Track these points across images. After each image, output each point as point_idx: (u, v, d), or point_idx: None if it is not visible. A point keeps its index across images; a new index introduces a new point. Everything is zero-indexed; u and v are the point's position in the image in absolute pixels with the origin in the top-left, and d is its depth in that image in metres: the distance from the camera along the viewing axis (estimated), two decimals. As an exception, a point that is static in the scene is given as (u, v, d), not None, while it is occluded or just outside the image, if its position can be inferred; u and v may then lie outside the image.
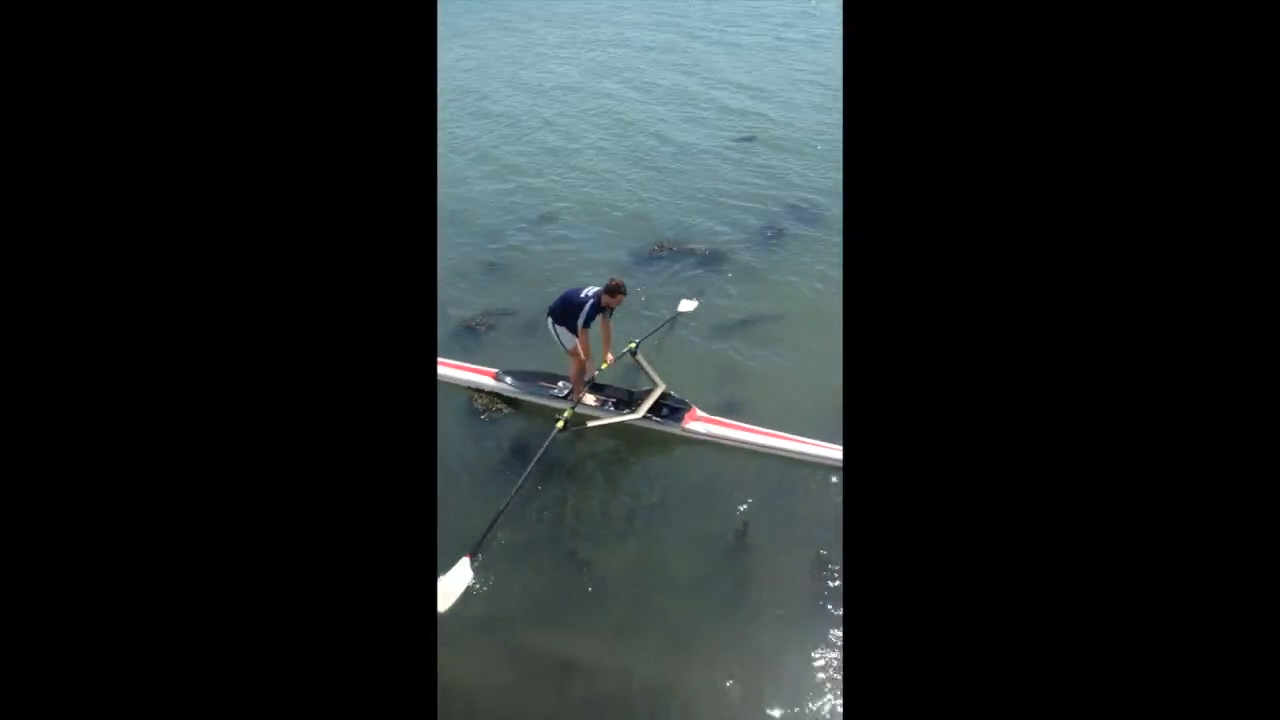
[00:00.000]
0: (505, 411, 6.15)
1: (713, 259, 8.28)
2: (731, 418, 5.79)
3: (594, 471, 5.59)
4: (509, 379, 6.32)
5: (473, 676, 4.11)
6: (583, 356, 5.73)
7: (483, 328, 7.23)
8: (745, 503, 5.11)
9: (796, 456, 5.41)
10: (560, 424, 5.44)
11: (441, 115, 13.30)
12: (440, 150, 11.83)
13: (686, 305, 7.31)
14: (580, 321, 5.53)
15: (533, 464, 5.14)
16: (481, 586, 4.58)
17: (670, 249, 8.53)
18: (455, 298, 7.72)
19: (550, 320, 5.79)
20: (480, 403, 6.22)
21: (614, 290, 5.53)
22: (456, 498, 5.16)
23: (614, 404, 6.05)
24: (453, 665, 4.14)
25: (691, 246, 8.54)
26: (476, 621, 4.41)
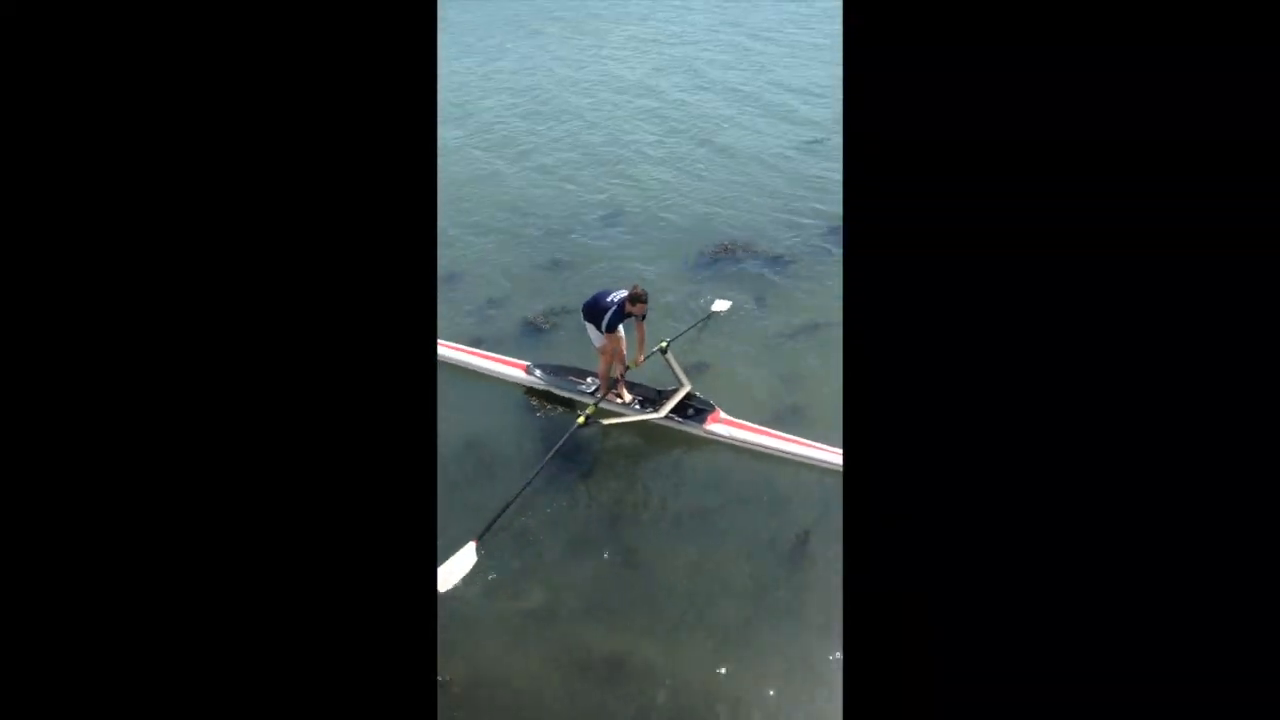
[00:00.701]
0: (559, 410, 6.21)
1: (776, 263, 8.22)
2: (790, 425, 5.76)
3: (653, 472, 5.62)
4: (539, 372, 6.41)
5: (521, 671, 4.18)
6: (609, 355, 5.81)
7: (547, 326, 7.32)
8: (806, 512, 5.07)
9: (821, 465, 5.38)
10: (582, 419, 5.54)
11: (505, 114, 13.50)
12: (503, 149, 12.02)
13: (720, 305, 7.32)
14: (604, 325, 5.61)
15: (548, 456, 5.25)
16: (536, 580, 4.68)
17: (734, 251, 8.50)
18: (519, 296, 7.83)
19: (583, 316, 5.89)
20: (535, 400, 6.32)
21: (635, 299, 5.57)
22: (494, 488, 5.24)
23: (640, 402, 6.08)
24: (503, 657, 4.23)
25: (756, 250, 8.49)
26: (529, 614, 4.49)
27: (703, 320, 7.14)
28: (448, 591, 4.34)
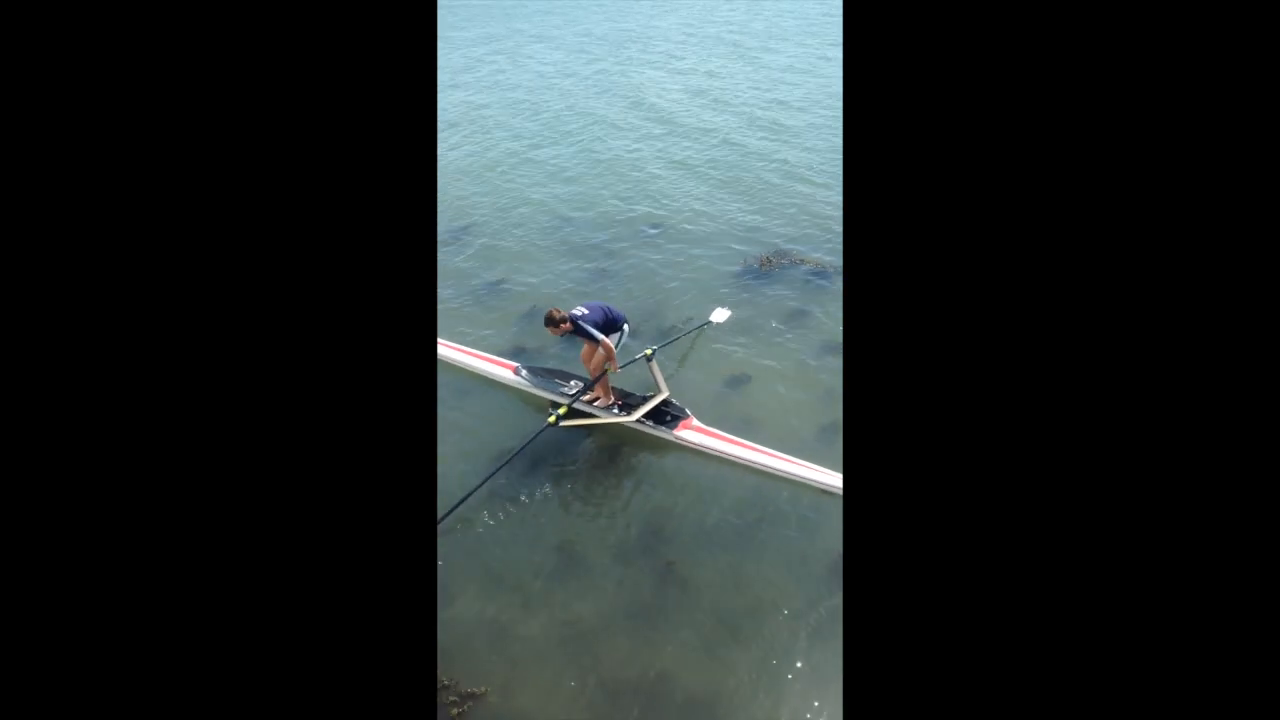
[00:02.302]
0: (584, 435, 6.21)
1: (820, 275, 8.15)
2: (830, 440, 5.71)
3: (694, 486, 5.60)
4: (525, 373, 6.59)
5: (558, 682, 4.19)
6: (603, 360, 6.03)
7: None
8: (839, 531, 4.99)
9: (785, 476, 5.47)
10: (552, 418, 5.67)
11: (556, 125, 13.60)
12: (547, 158, 12.10)
13: (719, 315, 7.35)
14: (603, 331, 5.87)
15: (514, 455, 5.41)
16: (572, 588, 4.70)
17: (778, 264, 8.45)
18: (560, 303, 7.85)
19: (593, 328, 6.04)
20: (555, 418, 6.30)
21: (550, 320, 5.83)
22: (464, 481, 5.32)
23: (619, 406, 6.19)
24: (541, 669, 4.26)
25: (801, 261, 8.44)
26: (567, 625, 4.51)
27: (697, 329, 7.19)
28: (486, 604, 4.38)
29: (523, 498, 5.48)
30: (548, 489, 5.55)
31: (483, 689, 4.13)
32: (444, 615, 4.57)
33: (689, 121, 13.66)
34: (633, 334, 6.88)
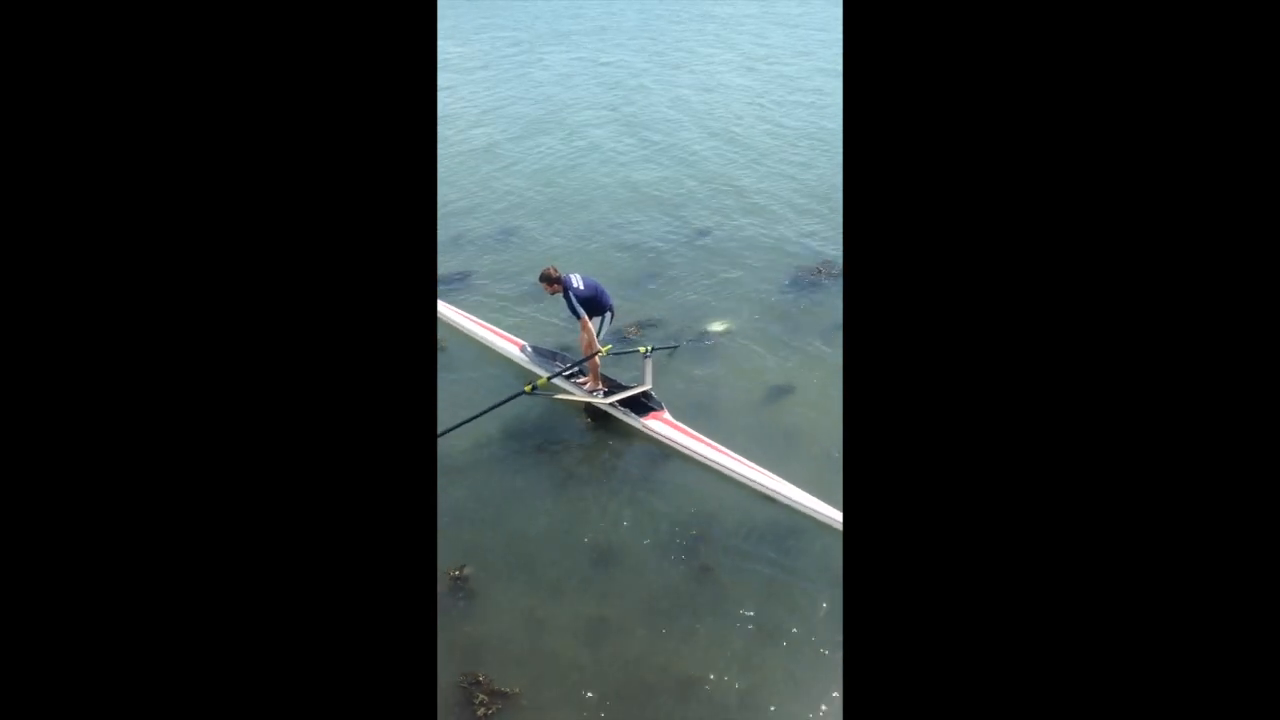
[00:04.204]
0: (610, 435, 6.20)
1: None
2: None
3: (736, 491, 5.51)
4: (530, 350, 7.00)
5: (591, 680, 4.13)
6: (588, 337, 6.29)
7: (633, 334, 7.34)
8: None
9: (735, 477, 5.56)
10: (529, 387, 5.97)
11: (618, 129, 13.65)
12: (604, 165, 12.14)
13: (717, 325, 7.41)
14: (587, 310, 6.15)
15: (480, 412, 5.58)
16: (605, 587, 4.65)
17: (829, 273, 8.31)
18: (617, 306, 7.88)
19: (583, 307, 6.26)
20: (586, 423, 6.34)
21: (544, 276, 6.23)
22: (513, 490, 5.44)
23: (604, 391, 6.40)
24: (573, 667, 4.20)
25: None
26: (599, 622, 4.46)
27: (694, 339, 7.25)
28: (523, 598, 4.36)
29: (561, 496, 5.46)
30: (587, 490, 5.52)
31: (514, 689, 4.08)
32: (478, 611, 4.56)
33: (751, 128, 13.60)
34: (674, 336, 6.95)
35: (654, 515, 5.27)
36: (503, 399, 5.83)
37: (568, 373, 6.49)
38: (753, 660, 4.24)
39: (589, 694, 4.08)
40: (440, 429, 5.20)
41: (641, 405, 6.26)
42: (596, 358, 6.30)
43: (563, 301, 6.26)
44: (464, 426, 5.52)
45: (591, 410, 6.33)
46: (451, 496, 5.33)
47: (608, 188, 11.15)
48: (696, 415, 6.21)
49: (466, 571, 4.78)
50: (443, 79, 15.86)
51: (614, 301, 6.47)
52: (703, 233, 9.56)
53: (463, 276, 8.51)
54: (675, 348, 7.10)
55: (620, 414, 6.23)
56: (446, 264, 8.65)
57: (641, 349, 6.58)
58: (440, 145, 12.83)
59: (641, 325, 7.47)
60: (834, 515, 5.04)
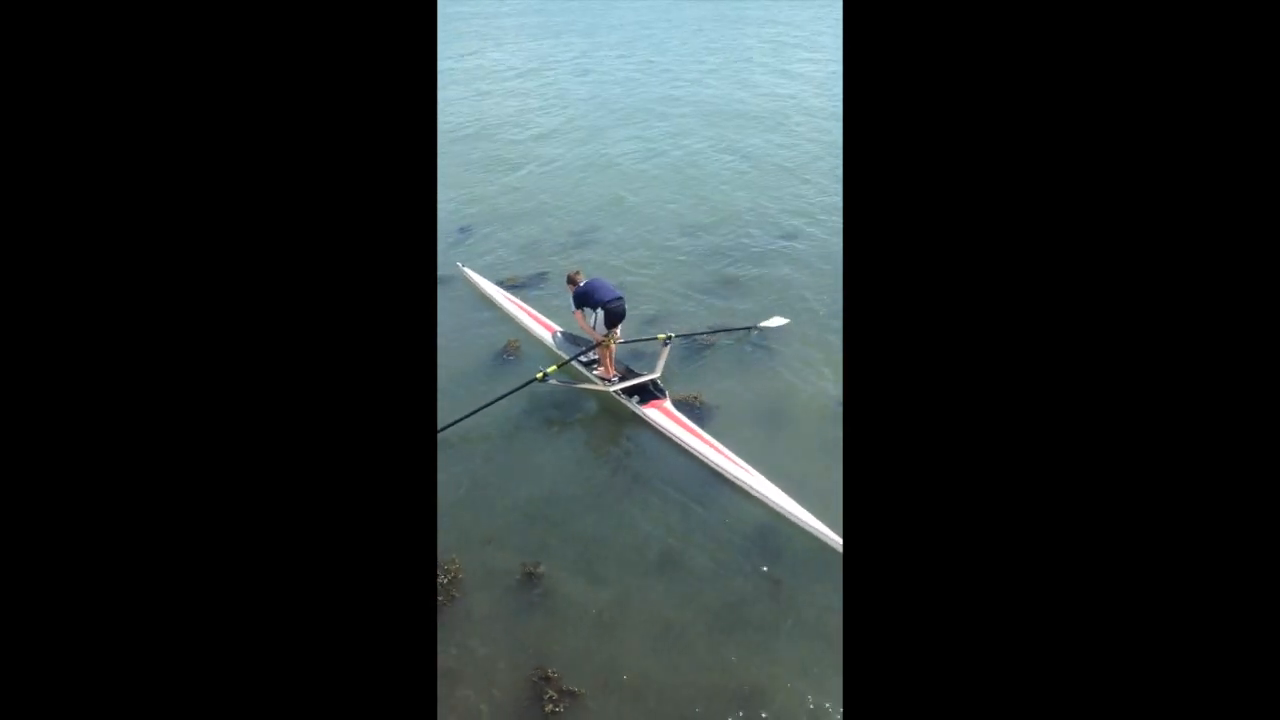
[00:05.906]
0: (639, 439, 6.20)
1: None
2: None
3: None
4: (560, 335, 7.29)
5: (657, 683, 4.15)
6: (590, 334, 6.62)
7: (704, 343, 7.31)
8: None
9: (722, 473, 5.62)
10: (540, 374, 6.23)
11: (699, 129, 13.61)
12: (675, 169, 12.11)
13: (773, 321, 7.38)
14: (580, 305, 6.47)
15: (495, 399, 5.97)
16: (671, 590, 4.66)
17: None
18: (688, 310, 7.90)
19: (581, 304, 6.54)
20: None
21: (569, 279, 6.62)
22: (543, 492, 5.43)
23: (619, 378, 6.60)
24: (640, 669, 4.23)
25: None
26: (669, 626, 4.46)
27: (746, 329, 7.28)
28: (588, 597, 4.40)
29: (629, 498, 5.50)
30: (653, 497, 5.54)
31: (581, 689, 4.13)
32: (550, 607, 4.64)
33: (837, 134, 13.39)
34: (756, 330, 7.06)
35: (723, 522, 5.25)
36: (513, 387, 6.10)
37: (579, 359, 6.69)
38: (825, 679, 4.17)
39: (653, 703, 4.09)
40: (453, 419, 5.76)
41: (647, 392, 6.43)
42: (609, 346, 6.52)
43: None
44: (482, 415, 5.90)
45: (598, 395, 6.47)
46: (525, 494, 5.47)
47: (677, 197, 11.16)
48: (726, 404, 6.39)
49: (541, 569, 4.86)
50: (537, 79, 15.97)
51: (619, 296, 6.43)
52: (789, 236, 9.50)
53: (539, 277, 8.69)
54: (716, 333, 7.21)
55: (624, 401, 6.45)
56: (526, 265, 8.82)
57: (660, 336, 6.74)
58: (534, 149, 13.03)
59: (712, 331, 7.40)
60: (814, 523, 5.05)
